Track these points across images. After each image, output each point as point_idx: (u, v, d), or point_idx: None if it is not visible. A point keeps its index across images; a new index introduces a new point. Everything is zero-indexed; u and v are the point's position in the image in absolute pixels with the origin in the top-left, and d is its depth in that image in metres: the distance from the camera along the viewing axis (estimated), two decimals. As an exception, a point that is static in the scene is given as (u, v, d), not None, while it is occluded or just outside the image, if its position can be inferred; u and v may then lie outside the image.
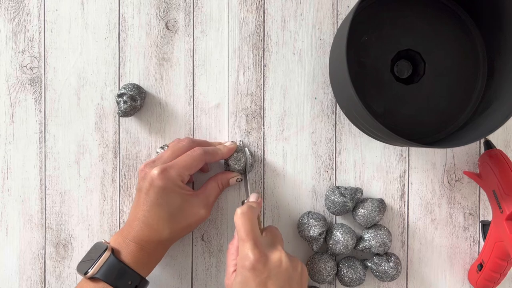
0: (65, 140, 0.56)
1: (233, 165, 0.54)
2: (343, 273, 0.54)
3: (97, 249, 0.48)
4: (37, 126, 0.56)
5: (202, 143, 0.53)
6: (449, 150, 0.57)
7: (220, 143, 0.54)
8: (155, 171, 0.47)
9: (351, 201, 0.53)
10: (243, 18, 0.56)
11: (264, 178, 0.56)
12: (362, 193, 0.55)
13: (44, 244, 0.56)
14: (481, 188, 0.57)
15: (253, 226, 0.46)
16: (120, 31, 0.56)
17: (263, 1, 0.56)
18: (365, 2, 0.51)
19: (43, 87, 0.56)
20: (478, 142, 0.57)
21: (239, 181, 0.54)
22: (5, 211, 0.56)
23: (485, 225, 0.56)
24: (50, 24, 0.56)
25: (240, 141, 0.56)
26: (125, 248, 0.48)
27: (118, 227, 0.56)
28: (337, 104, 0.56)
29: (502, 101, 0.49)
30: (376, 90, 0.52)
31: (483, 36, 0.53)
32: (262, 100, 0.56)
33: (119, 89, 0.54)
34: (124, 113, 0.54)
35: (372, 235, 0.54)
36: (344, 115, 0.56)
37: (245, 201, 0.52)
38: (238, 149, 0.54)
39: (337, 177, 0.57)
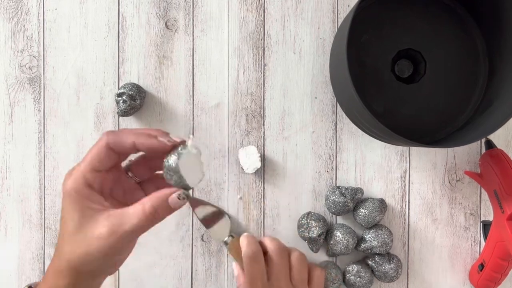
0: (65, 140, 0.56)
1: (166, 177, 0.36)
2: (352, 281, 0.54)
3: None
4: (36, 126, 0.56)
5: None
6: (450, 149, 0.57)
7: (155, 130, 0.37)
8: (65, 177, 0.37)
9: (352, 201, 0.53)
10: (243, 17, 0.56)
11: (264, 178, 0.56)
12: (362, 193, 0.55)
13: (43, 244, 0.56)
14: (482, 188, 0.56)
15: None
16: (120, 30, 0.56)
17: (263, 0, 0.56)
18: (366, 2, 0.51)
19: (42, 86, 0.56)
20: (479, 141, 0.57)
21: (183, 199, 0.36)
22: (4, 211, 0.56)
23: (486, 225, 0.55)
24: (50, 23, 0.56)
25: (190, 136, 0.39)
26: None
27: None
28: (338, 104, 0.56)
29: (503, 100, 0.49)
30: (376, 90, 0.52)
31: (484, 36, 0.53)
32: (262, 99, 0.56)
33: (119, 89, 0.54)
34: (124, 113, 0.54)
35: (374, 235, 0.53)
36: (344, 114, 0.56)
37: (232, 236, 0.45)
38: (180, 153, 0.35)
39: (337, 177, 0.56)
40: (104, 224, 0.35)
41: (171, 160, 0.35)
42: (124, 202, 0.38)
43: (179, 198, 0.36)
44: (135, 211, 0.35)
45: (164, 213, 0.36)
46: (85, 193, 0.35)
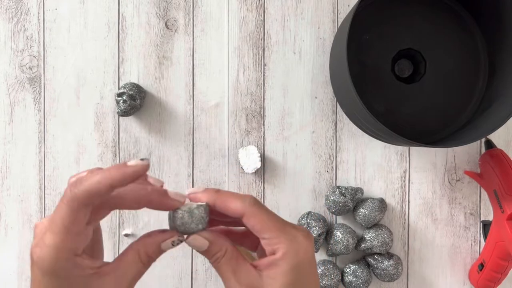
0: (65, 140, 0.56)
1: (173, 221, 0.33)
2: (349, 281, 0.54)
3: None
4: (36, 126, 0.56)
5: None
6: (450, 149, 0.57)
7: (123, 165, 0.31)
8: (33, 246, 0.30)
9: (352, 201, 0.53)
10: (243, 17, 0.56)
11: (264, 178, 0.56)
12: (362, 193, 0.55)
13: (43, 244, 0.56)
14: (482, 188, 0.56)
15: None
16: (120, 30, 0.56)
17: (263, 0, 0.56)
18: (366, 1, 0.51)
19: (42, 86, 0.56)
20: (479, 141, 0.57)
21: (177, 245, 0.33)
22: (4, 211, 0.56)
23: (486, 225, 0.55)
24: (50, 23, 0.56)
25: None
26: None
27: (117, 227, 0.56)
28: (338, 104, 0.56)
29: (503, 100, 0.49)
30: (376, 89, 0.52)
31: (484, 35, 0.53)
32: (262, 99, 0.56)
33: (119, 89, 0.54)
34: (124, 113, 0.53)
35: (374, 235, 0.53)
36: (344, 114, 0.56)
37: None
38: (192, 212, 0.32)
39: (337, 176, 0.56)
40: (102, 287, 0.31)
41: (185, 216, 0.32)
42: (94, 244, 0.33)
43: (173, 244, 0.33)
44: (131, 261, 0.32)
45: (157, 257, 0.33)
46: (73, 265, 0.29)
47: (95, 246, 0.34)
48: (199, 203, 0.33)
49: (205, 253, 0.33)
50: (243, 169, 0.55)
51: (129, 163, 0.30)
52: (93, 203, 0.30)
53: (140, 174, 0.31)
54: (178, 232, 0.33)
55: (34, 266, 0.30)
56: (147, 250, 0.32)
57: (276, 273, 0.31)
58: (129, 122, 0.56)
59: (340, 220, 0.56)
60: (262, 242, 0.32)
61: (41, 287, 0.30)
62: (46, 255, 0.29)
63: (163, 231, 0.33)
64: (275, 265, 0.31)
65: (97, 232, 0.34)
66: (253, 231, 0.32)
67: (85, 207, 0.29)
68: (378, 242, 0.53)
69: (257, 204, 0.32)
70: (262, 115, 0.56)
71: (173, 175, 0.56)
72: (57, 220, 0.29)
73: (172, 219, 0.33)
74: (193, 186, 0.56)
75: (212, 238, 0.32)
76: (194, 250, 0.56)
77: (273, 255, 0.31)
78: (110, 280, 0.31)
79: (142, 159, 0.31)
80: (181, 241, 0.33)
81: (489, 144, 0.55)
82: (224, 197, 0.33)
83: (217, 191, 0.33)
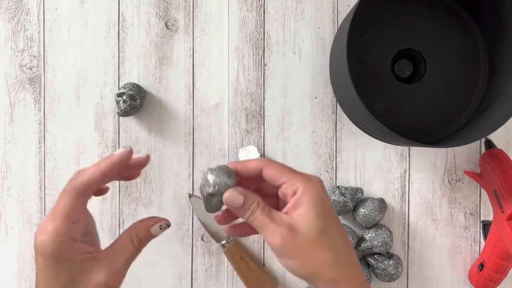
0: (65, 140, 0.56)
1: (207, 185, 0.35)
2: None
3: None
4: (36, 126, 0.56)
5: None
6: (449, 149, 0.57)
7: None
8: (36, 233, 0.33)
9: (352, 201, 0.53)
10: (243, 17, 0.56)
11: (264, 178, 0.56)
12: (362, 193, 0.55)
13: (43, 244, 0.56)
14: (481, 188, 0.56)
15: None
16: (120, 30, 0.56)
17: (263, 0, 0.56)
18: (366, 1, 0.51)
19: (42, 86, 0.56)
20: (478, 141, 0.57)
21: (164, 229, 0.37)
22: (4, 211, 0.56)
23: (486, 225, 0.55)
24: (50, 23, 0.56)
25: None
26: None
27: (117, 228, 0.56)
28: (338, 104, 0.56)
29: (503, 100, 0.49)
30: (376, 90, 0.52)
31: (484, 35, 0.53)
32: (262, 99, 0.56)
33: (119, 89, 0.54)
34: (124, 113, 0.54)
35: (374, 235, 0.53)
36: (344, 114, 0.56)
37: (229, 240, 0.50)
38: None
39: (337, 176, 0.56)
40: (99, 271, 0.34)
41: (217, 173, 0.35)
42: (88, 231, 0.37)
43: (161, 228, 0.37)
44: (123, 244, 0.36)
45: (147, 241, 0.37)
46: (71, 249, 0.33)
47: (92, 237, 0.37)
48: None
49: (240, 208, 0.35)
50: None
51: (115, 153, 0.35)
52: (90, 192, 0.34)
53: (126, 160, 0.35)
54: (205, 196, 0.35)
55: (37, 253, 0.33)
56: (138, 234, 0.36)
57: (303, 210, 0.34)
58: (129, 122, 0.56)
59: (340, 220, 0.56)
60: (283, 187, 0.35)
61: (43, 272, 0.33)
62: (47, 240, 0.32)
63: (152, 217, 0.37)
64: (300, 203, 0.34)
65: (92, 224, 0.38)
66: (273, 180, 0.36)
67: (83, 196, 0.34)
68: (378, 242, 0.53)
69: (271, 160, 0.37)
70: (262, 115, 0.56)
71: (173, 175, 0.56)
72: (59, 208, 0.33)
73: (205, 184, 0.35)
74: (193, 187, 0.56)
75: (245, 192, 0.35)
76: (193, 250, 0.56)
77: (295, 195, 0.34)
78: (106, 262, 0.34)
79: (124, 147, 0.36)
80: (168, 226, 0.37)
81: (489, 144, 0.55)
82: (243, 161, 0.37)
83: (236, 161, 0.38)
